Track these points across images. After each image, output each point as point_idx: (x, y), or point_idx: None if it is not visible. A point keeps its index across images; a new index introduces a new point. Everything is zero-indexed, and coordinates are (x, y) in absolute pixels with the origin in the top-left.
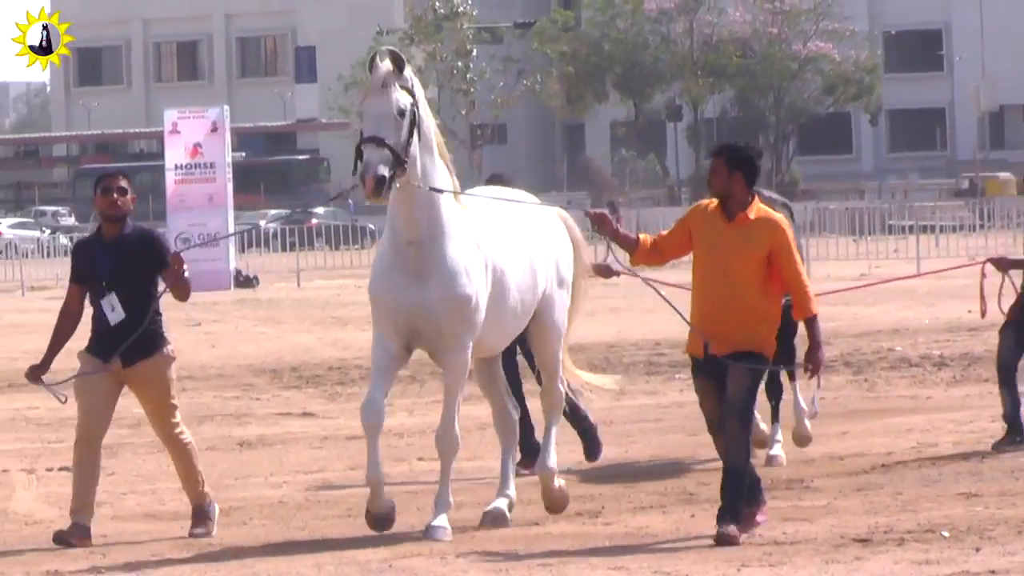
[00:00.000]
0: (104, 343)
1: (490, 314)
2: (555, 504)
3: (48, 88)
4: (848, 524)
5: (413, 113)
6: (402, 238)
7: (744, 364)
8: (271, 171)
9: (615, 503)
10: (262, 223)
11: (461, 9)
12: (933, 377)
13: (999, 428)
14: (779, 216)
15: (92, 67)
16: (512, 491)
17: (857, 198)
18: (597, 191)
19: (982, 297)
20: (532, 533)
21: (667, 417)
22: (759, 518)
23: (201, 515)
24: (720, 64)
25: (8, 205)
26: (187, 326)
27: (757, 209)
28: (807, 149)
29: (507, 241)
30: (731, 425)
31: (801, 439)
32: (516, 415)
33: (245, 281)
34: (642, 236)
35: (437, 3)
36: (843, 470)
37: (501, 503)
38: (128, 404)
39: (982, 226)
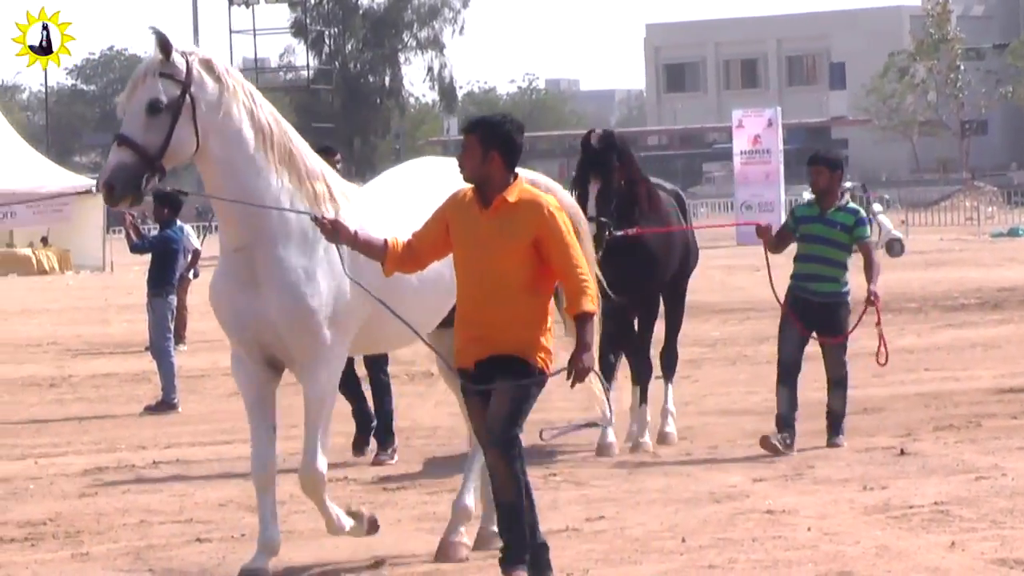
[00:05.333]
0: None
1: (389, 302)
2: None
3: (644, 94)
4: None
5: (179, 107)
6: (228, 244)
7: (504, 385)
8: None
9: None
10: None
11: (951, 35)
12: None
13: None
14: (548, 198)
15: (677, 78)
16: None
17: None
18: None
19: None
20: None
21: None
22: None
23: None
24: None
25: None
26: None
27: (520, 191)
28: None
29: (409, 222)
30: (492, 457)
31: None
32: None
33: None
34: (391, 240)
35: (932, 31)
36: None
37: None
38: None
39: None
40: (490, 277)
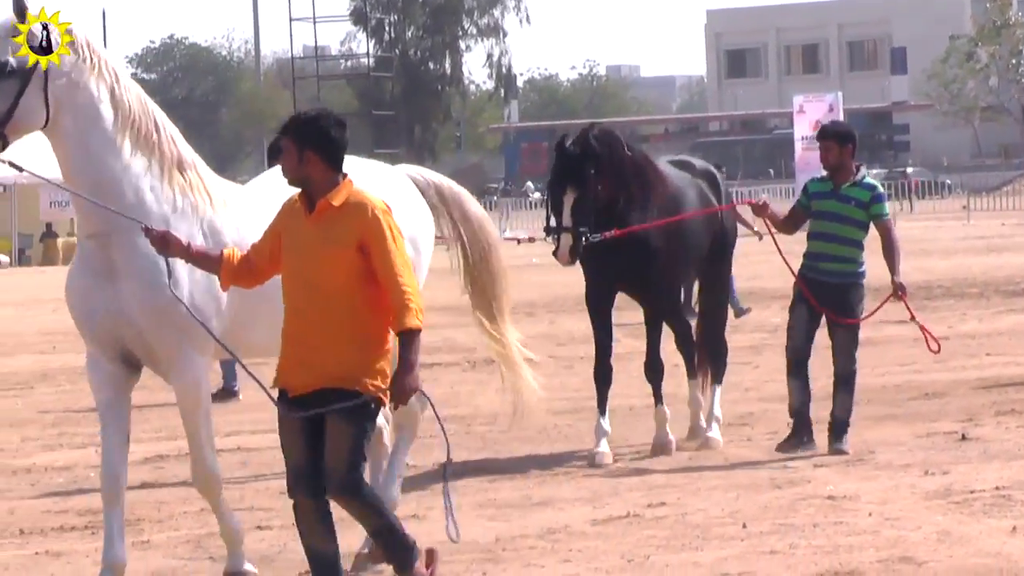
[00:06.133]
0: None
1: (268, 304)
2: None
3: (704, 80)
4: None
5: (28, 73)
6: (82, 232)
7: (331, 408)
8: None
9: None
10: None
11: (1013, 20)
12: None
13: None
14: (376, 199)
15: (738, 64)
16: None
17: None
18: None
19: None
20: None
21: None
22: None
23: None
24: None
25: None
26: None
27: (348, 192)
28: None
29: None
30: (340, 502)
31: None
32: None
33: None
34: (227, 253)
35: (994, 15)
36: None
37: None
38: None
39: None
40: (315, 290)
